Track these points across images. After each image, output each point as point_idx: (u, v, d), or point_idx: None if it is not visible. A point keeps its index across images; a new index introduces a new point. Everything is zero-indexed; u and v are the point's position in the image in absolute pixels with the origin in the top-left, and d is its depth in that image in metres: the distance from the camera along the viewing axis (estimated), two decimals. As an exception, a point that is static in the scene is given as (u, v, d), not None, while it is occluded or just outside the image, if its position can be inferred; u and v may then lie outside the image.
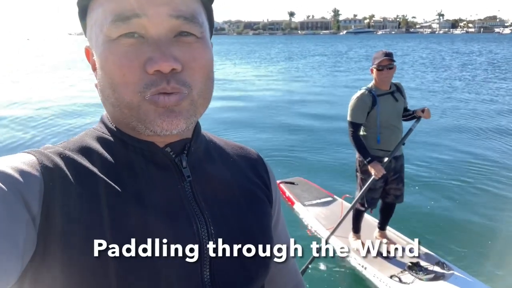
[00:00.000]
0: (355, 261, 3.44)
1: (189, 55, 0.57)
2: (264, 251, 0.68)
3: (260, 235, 0.69)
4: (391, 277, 3.07)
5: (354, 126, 3.27)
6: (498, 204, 4.58)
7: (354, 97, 3.29)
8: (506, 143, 7.18)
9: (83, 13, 0.61)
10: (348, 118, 3.29)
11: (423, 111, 3.31)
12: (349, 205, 3.91)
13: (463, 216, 4.37)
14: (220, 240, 0.62)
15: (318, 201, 4.41)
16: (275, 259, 0.72)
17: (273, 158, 6.33)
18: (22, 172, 0.52)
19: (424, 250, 3.45)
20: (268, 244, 0.70)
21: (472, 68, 21.01)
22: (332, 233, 3.44)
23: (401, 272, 3.12)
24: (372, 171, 3.21)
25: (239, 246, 0.64)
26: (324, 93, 13.53)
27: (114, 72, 0.56)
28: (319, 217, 4.20)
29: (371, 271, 3.22)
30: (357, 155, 3.42)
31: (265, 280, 0.72)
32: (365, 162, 3.24)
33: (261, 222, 0.71)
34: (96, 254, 0.52)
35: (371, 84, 3.31)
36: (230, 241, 0.63)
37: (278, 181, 5.06)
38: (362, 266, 3.33)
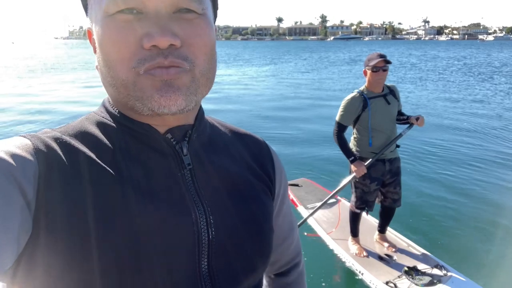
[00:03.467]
0: (353, 266, 3.42)
1: (190, 31, 0.55)
2: (263, 242, 0.68)
3: (260, 226, 0.68)
4: (387, 283, 3.06)
5: (340, 126, 3.27)
6: (499, 206, 4.59)
7: (345, 99, 3.29)
8: (505, 144, 7.25)
9: None
10: (336, 118, 3.30)
11: (417, 118, 3.31)
12: (347, 206, 3.90)
13: (464, 218, 4.36)
14: (219, 230, 0.61)
15: (321, 203, 4.42)
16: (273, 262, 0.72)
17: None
18: (16, 157, 0.51)
19: (423, 252, 3.44)
20: (267, 235, 0.70)
21: (445, 70, 21.45)
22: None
23: (398, 277, 3.10)
24: (353, 170, 3.23)
25: (238, 236, 0.64)
26: (327, 94, 13.58)
27: (110, 48, 0.54)
28: (320, 221, 4.15)
29: (368, 277, 3.20)
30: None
31: (265, 269, 0.71)
32: (349, 161, 3.26)
33: (261, 213, 0.70)
34: (90, 241, 0.51)
35: (363, 86, 3.30)
36: (229, 231, 0.63)
37: None
38: (360, 272, 3.31)
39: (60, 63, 31.54)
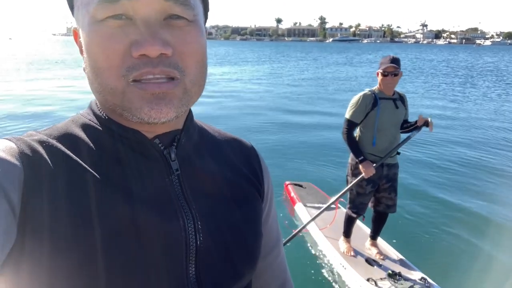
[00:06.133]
0: (337, 260, 3.48)
1: (180, 39, 0.54)
2: (251, 247, 0.68)
3: (248, 231, 0.68)
4: (368, 279, 3.10)
5: (350, 124, 3.26)
6: (492, 226, 4.56)
7: (356, 96, 3.28)
8: (500, 158, 7.16)
9: None
10: (346, 116, 3.28)
11: (426, 121, 3.28)
12: (343, 209, 3.94)
13: (456, 235, 4.34)
14: (207, 236, 0.61)
15: (320, 205, 4.31)
16: (262, 255, 0.71)
17: (287, 159, 6.36)
18: (0, 160, 0.50)
19: (410, 264, 3.46)
20: (256, 240, 0.69)
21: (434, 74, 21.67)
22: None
23: (380, 278, 3.14)
24: (362, 170, 3.21)
25: (226, 241, 0.63)
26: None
27: (98, 55, 0.52)
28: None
29: (350, 271, 3.25)
30: (349, 159, 3.41)
31: (252, 275, 0.71)
32: (357, 160, 3.22)
33: (250, 218, 0.69)
34: (76, 246, 0.50)
35: (375, 87, 3.31)
36: (217, 237, 0.62)
37: (287, 182, 5.10)
38: (343, 266, 3.36)
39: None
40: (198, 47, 0.56)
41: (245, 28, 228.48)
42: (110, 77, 0.53)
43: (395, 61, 3.19)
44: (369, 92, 3.25)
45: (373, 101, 3.21)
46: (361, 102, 3.22)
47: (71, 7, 0.59)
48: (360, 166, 3.22)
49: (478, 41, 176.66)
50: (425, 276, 3.21)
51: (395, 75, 3.17)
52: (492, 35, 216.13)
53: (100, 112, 0.61)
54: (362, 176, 3.25)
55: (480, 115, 11.37)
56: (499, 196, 5.40)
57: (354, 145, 3.26)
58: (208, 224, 0.62)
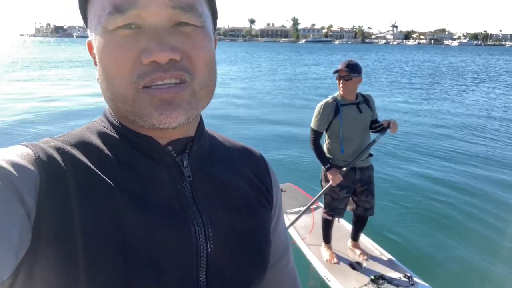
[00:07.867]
0: (321, 271, 3.44)
1: (189, 44, 0.55)
2: (261, 255, 0.68)
3: (258, 239, 0.69)
4: None
5: (315, 133, 3.25)
6: (473, 219, 4.63)
7: (318, 105, 3.26)
8: (478, 156, 7.19)
9: (84, 5, 0.60)
10: (311, 125, 3.28)
11: (389, 123, 3.24)
12: (321, 209, 3.91)
13: (439, 229, 4.37)
14: (217, 243, 0.61)
15: (302, 208, 4.26)
16: (271, 263, 0.72)
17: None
18: (17, 166, 0.51)
19: (394, 261, 3.47)
20: (265, 248, 0.70)
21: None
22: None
23: (364, 285, 3.13)
24: (330, 178, 3.21)
25: (236, 249, 0.64)
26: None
27: (110, 63, 0.55)
28: (297, 226, 4.13)
29: (334, 283, 3.22)
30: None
31: (262, 284, 0.71)
32: (324, 168, 3.25)
33: (259, 226, 0.70)
34: (89, 252, 0.51)
35: (337, 93, 3.28)
36: (227, 244, 0.63)
37: None
38: (327, 278, 3.33)
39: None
40: (205, 51, 0.58)
41: (219, 29, 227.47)
42: (121, 85, 0.54)
43: (350, 66, 3.16)
44: (331, 100, 3.23)
45: (335, 109, 3.19)
46: (322, 111, 3.22)
47: (85, 21, 0.61)
48: (328, 174, 3.21)
49: (446, 42, 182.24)
50: (409, 273, 3.23)
51: (346, 80, 3.15)
52: (459, 36, 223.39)
53: (114, 120, 0.62)
54: (330, 184, 3.25)
55: (445, 109, 11.90)
56: (480, 189, 5.53)
57: (320, 153, 3.26)
58: (219, 231, 0.62)
